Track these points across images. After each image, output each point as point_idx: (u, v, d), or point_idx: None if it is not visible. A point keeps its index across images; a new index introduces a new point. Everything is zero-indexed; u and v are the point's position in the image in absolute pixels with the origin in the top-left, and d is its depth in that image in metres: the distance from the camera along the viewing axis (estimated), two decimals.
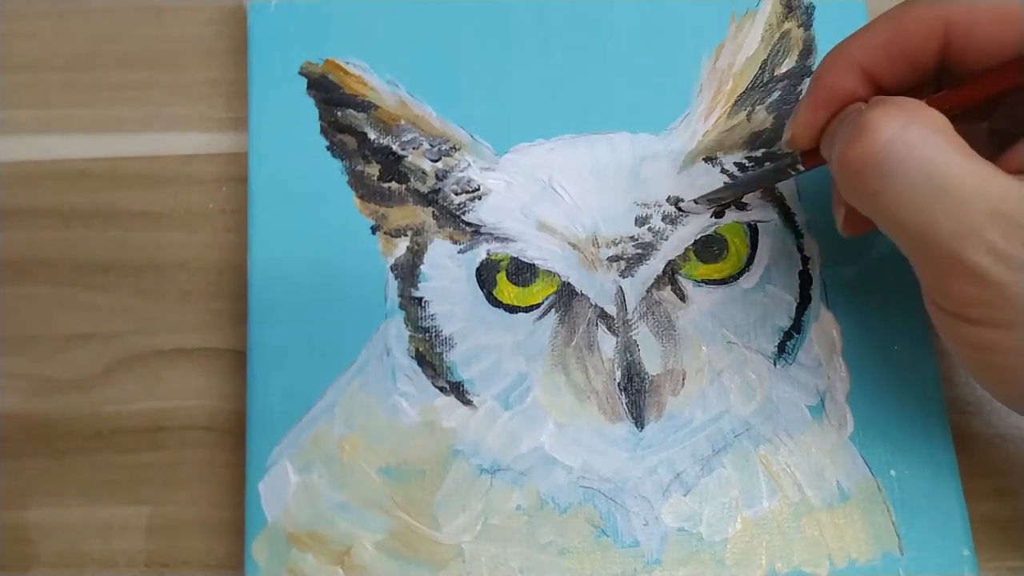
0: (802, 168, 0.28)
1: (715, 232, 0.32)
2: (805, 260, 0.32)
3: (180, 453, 0.32)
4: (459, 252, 0.32)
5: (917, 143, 0.22)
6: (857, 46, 0.26)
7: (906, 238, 0.24)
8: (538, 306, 0.32)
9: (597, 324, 0.31)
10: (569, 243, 0.32)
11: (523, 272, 0.32)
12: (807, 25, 0.35)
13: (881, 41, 0.25)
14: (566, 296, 0.32)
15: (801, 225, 0.33)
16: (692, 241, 0.32)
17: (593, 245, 0.32)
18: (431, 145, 0.33)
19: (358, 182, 0.33)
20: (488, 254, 0.32)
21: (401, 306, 0.32)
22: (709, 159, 0.33)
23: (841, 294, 0.32)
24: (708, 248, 0.32)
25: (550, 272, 0.32)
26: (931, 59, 0.25)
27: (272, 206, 0.33)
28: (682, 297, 0.32)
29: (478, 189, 0.33)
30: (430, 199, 0.33)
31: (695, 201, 0.32)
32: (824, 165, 0.27)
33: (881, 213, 0.24)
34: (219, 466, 0.32)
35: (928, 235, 0.23)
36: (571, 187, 0.33)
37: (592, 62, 0.34)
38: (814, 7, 0.35)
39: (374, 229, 0.33)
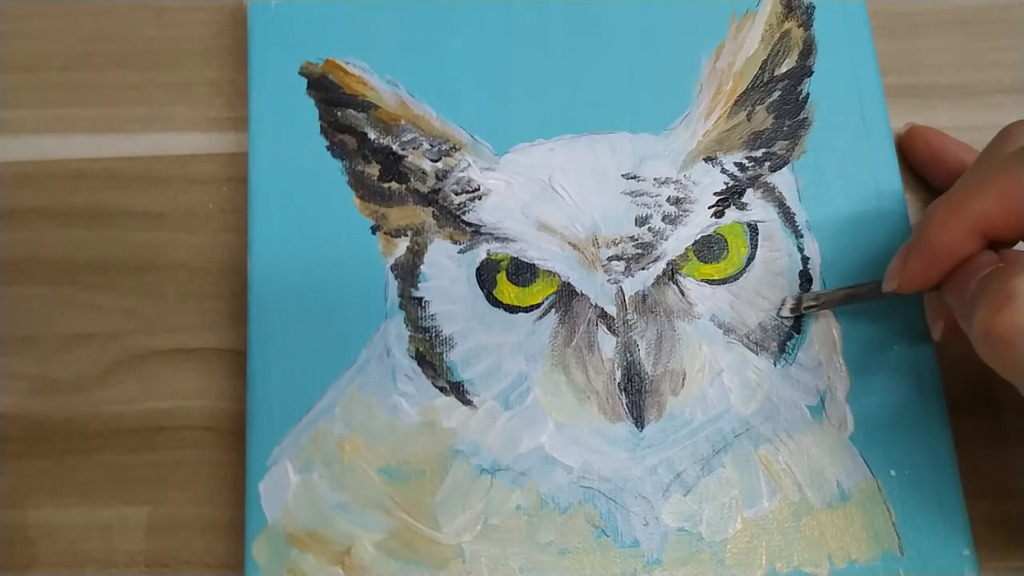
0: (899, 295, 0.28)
1: (715, 232, 0.32)
2: (805, 260, 0.32)
3: (180, 453, 0.32)
4: (459, 252, 0.32)
5: None
6: (975, 210, 0.25)
7: None
8: (538, 306, 0.32)
9: (597, 324, 0.31)
10: (569, 243, 0.32)
11: (523, 272, 0.32)
12: (807, 25, 0.35)
13: (1000, 206, 0.25)
14: (566, 296, 0.32)
15: (801, 225, 0.33)
16: (692, 241, 0.32)
17: (593, 245, 0.32)
18: (431, 145, 0.33)
19: (358, 182, 0.33)
20: (488, 254, 0.32)
21: (401, 306, 0.32)
22: (709, 159, 0.33)
23: None
24: (708, 248, 0.32)
25: (550, 272, 0.32)
26: None
27: (272, 206, 0.33)
28: (682, 297, 0.32)
29: (478, 189, 0.33)
30: (430, 199, 0.33)
31: (791, 310, 0.32)
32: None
33: None
34: (219, 466, 0.32)
35: None
36: (571, 187, 0.33)
37: (592, 62, 0.34)
38: (814, 7, 0.35)
39: (374, 229, 0.33)
